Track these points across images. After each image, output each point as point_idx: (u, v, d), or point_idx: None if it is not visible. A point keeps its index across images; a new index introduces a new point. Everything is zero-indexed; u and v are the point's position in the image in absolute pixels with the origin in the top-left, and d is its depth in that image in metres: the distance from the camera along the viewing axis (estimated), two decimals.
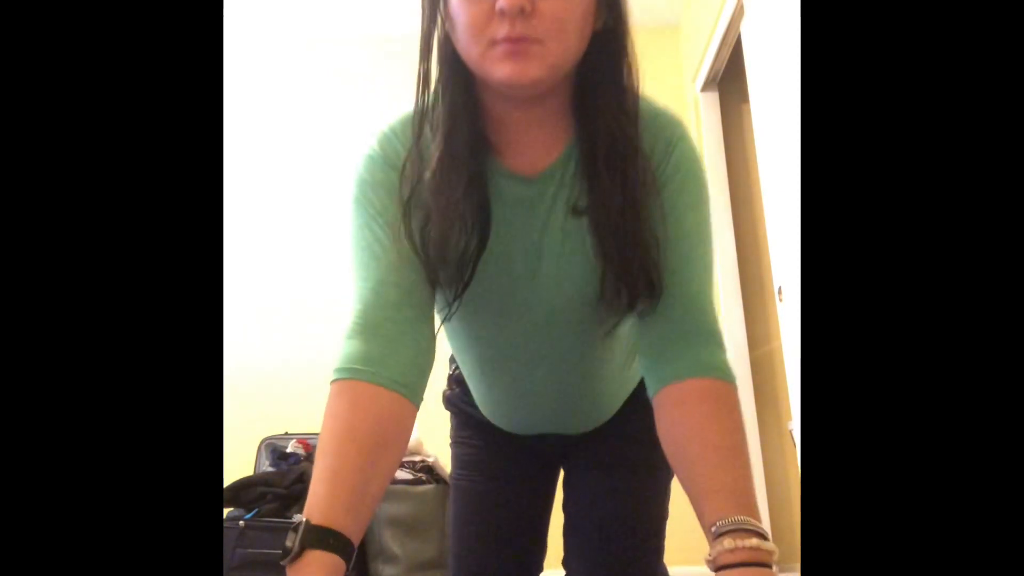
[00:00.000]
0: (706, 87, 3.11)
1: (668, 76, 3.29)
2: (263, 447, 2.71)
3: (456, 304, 0.80)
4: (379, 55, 3.28)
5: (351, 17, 3.27)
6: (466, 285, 0.79)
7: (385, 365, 0.73)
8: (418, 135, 0.78)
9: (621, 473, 1.02)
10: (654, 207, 0.78)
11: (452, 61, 0.76)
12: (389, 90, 3.22)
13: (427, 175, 0.76)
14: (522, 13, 0.68)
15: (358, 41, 3.36)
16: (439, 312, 0.84)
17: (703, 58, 3.02)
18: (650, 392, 0.79)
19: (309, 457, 2.43)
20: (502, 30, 0.69)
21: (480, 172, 0.78)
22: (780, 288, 2.23)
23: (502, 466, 1.06)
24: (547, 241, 0.82)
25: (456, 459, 1.10)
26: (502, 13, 0.68)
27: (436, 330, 0.82)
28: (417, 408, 0.75)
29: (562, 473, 1.10)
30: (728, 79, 3.06)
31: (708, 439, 0.71)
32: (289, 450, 2.46)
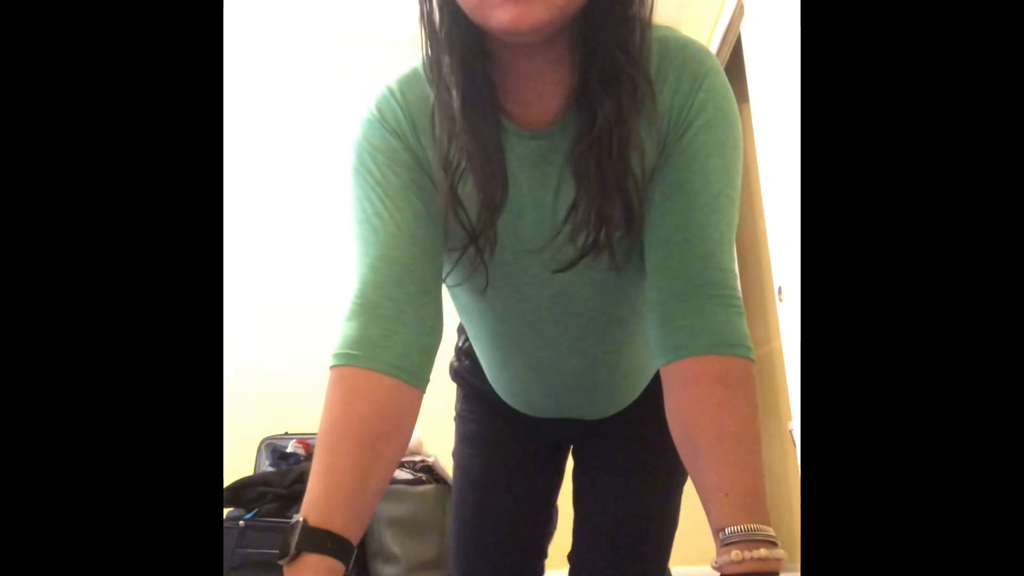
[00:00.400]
0: None
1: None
2: (263, 447, 2.71)
3: (490, 256, 0.75)
4: (379, 55, 3.28)
5: (351, 17, 3.28)
6: (491, 239, 0.74)
7: (384, 348, 0.69)
8: (436, 81, 0.72)
9: (636, 479, 0.98)
10: (648, 140, 0.71)
11: (451, 4, 0.68)
12: None
13: (456, 129, 0.71)
14: None
15: (358, 41, 3.36)
16: (454, 282, 0.81)
17: None
18: (657, 360, 0.72)
19: (309, 457, 2.43)
20: None
21: (500, 125, 0.73)
22: (780, 288, 2.23)
23: (509, 442, 1.01)
24: (561, 198, 0.75)
25: (460, 435, 1.04)
26: None
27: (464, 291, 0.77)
28: (422, 392, 0.71)
29: (571, 463, 1.07)
30: (728, 79, 3.06)
31: (722, 429, 0.65)
32: (289, 450, 2.46)
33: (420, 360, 0.71)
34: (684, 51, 0.73)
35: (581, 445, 1.04)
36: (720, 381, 0.67)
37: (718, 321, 0.69)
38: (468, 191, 0.73)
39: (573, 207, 0.73)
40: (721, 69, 0.74)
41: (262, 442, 2.72)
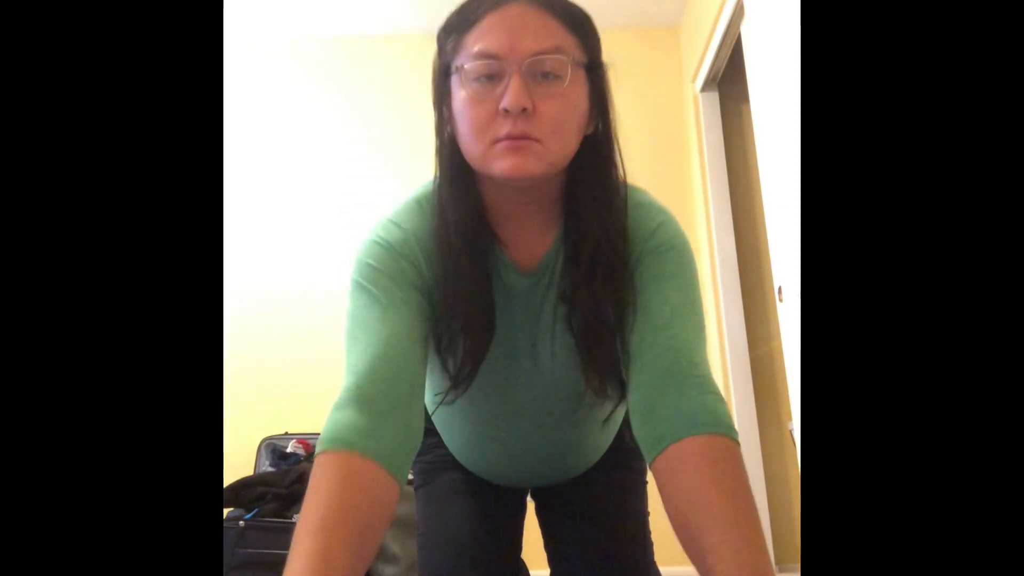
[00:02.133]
0: (706, 87, 3.11)
1: (668, 76, 3.29)
2: (263, 447, 2.71)
3: (462, 389, 0.83)
4: (377, 55, 3.28)
5: (349, 17, 3.28)
6: (474, 372, 0.82)
7: (375, 439, 0.71)
8: (440, 229, 0.82)
9: (596, 476, 1.03)
10: (628, 305, 0.82)
11: (456, 162, 0.82)
12: (386, 89, 3.23)
13: (451, 275, 0.81)
14: (524, 113, 0.74)
15: (358, 41, 3.36)
16: (436, 396, 0.89)
17: (703, 58, 3.02)
18: (647, 459, 0.75)
19: (309, 457, 2.43)
20: (504, 128, 0.74)
21: (489, 266, 0.83)
22: (780, 288, 2.23)
23: (475, 481, 1.04)
24: (541, 326, 0.87)
25: (420, 464, 1.08)
26: (506, 112, 0.74)
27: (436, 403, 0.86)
28: (401, 489, 0.73)
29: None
30: (728, 79, 3.06)
31: (712, 508, 0.66)
32: (289, 450, 2.46)
33: (404, 459, 0.74)
34: (642, 208, 0.86)
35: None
36: (703, 461, 0.69)
37: (696, 405, 0.73)
38: (454, 331, 0.82)
39: (585, 376, 0.85)
40: (673, 219, 0.88)
41: (262, 442, 2.72)
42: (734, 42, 2.74)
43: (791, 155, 2.06)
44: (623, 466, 1.05)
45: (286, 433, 2.69)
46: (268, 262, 3.15)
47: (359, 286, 0.82)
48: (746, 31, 2.47)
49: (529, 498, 1.11)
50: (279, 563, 0.63)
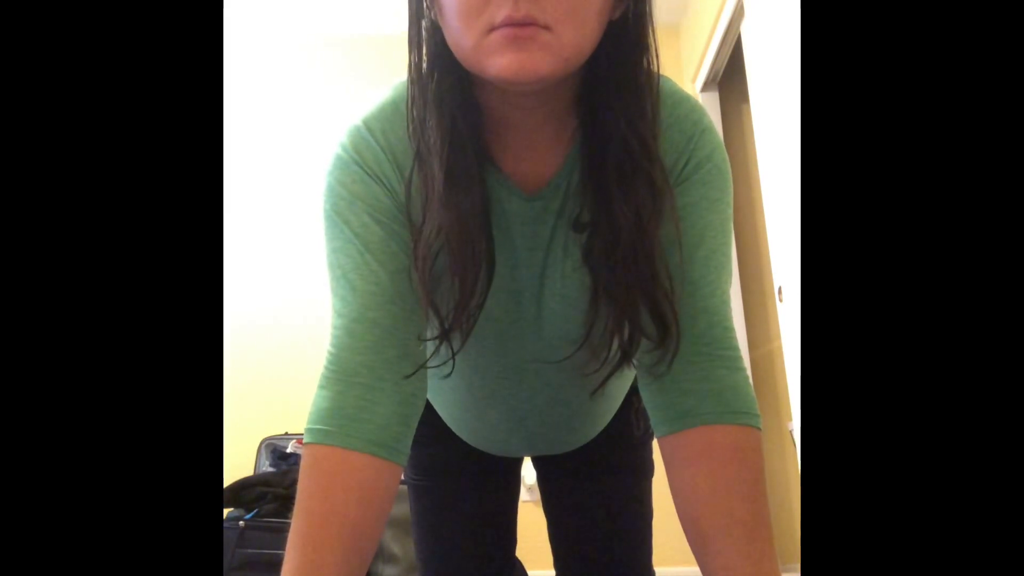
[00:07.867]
0: (706, 87, 3.11)
1: (668, 76, 3.29)
2: (263, 447, 2.71)
3: (459, 349, 0.68)
4: (375, 55, 3.29)
5: (347, 16, 3.28)
6: (472, 324, 0.67)
7: (361, 422, 0.64)
8: (417, 142, 0.66)
9: (603, 478, 0.97)
10: (669, 230, 0.66)
11: (443, 55, 0.63)
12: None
13: (435, 204, 0.65)
14: None
15: (356, 41, 3.36)
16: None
17: (703, 58, 3.02)
18: (659, 430, 0.69)
19: None
20: (502, 11, 0.56)
21: (485, 190, 0.68)
22: (780, 288, 2.23)
23: (464, 464, 0.96)
24: (550, 261, 0.72)
25: (413, 459, 0.97)
26: None
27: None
28: (402, 467, 0.66)
29: (529, 466, 1.05)
30: (728, 79, 3.07)
31: (732, 514, 0.62)
32: (289, 450, 2.47)
33: (399, 432, 0.66)
34: (677, 109, 0.70)
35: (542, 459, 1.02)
36: (732, 458, 0.64)
37: (727, 386, 0.67)
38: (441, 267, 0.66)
39: (588, 323, 0.68)
40: (714, 126, 0.72)
41: (262, 442, 2.72)
42: (734, 42, 2.74)
43: (791, 155, 2.07)
44: (635, 468, 0.99)
45: (286, 433, 2.69)
46: (269, 261, 3.15)
47: (331, 220, 0.69)
48: (746, 31, 2.47)
49: (526, 498, 1.09)
50: (279, 563, 0.63)
